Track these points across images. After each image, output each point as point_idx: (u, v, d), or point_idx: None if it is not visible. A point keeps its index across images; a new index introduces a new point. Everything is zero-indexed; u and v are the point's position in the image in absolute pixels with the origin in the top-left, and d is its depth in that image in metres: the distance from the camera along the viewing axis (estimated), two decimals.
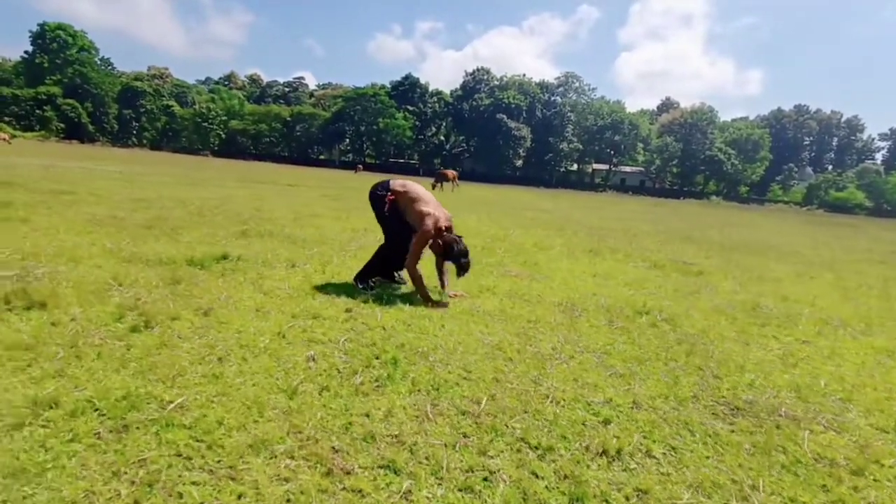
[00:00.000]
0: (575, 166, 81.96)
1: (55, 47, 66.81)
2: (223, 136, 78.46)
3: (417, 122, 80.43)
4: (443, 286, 4.22)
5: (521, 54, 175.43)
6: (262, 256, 5.01)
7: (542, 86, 78.92)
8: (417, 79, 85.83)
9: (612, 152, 77.65)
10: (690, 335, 3.63)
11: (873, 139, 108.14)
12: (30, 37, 66.76)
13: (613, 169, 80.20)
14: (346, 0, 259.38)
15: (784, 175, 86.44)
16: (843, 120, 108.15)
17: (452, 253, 3.94)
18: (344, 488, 1.66)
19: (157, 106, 74.49)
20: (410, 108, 79.91)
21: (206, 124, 74.27)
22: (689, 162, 74.35)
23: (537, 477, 1.80)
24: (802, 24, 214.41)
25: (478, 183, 56.47)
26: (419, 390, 2.39)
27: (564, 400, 2.41)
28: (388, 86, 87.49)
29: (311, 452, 1.81)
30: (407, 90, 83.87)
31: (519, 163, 76.80)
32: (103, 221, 6.24)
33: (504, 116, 71.90)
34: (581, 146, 76.91)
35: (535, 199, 27.15)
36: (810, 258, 9.44)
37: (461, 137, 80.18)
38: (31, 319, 2.82)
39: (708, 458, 2.01)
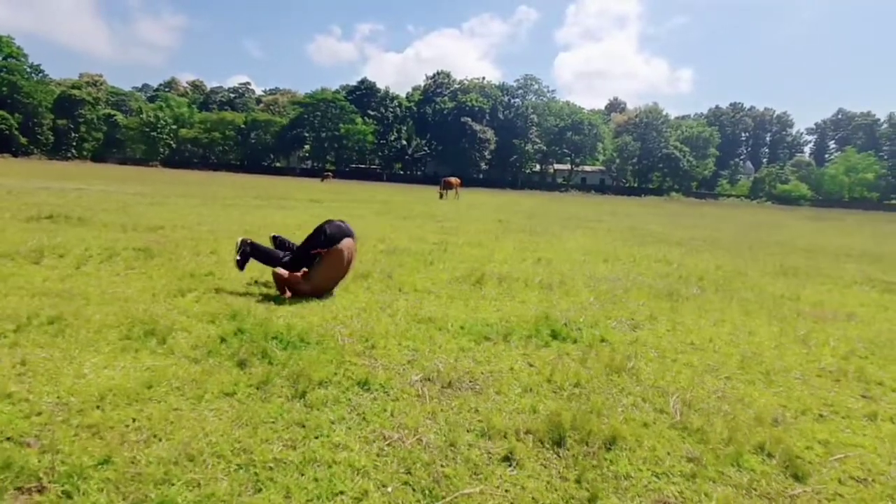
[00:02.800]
0: (538, 167, 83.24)
1: None
2: (173, 145, 73.95)
3: (378, 127, 79.02)
4: None
5: (463, 55, 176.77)
6: (546, 312, 4.19)
7: (503, 88, 79.71)
8: (374, 83, 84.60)
9: (573, 153, 79.36)
10: None
11: (801, 133, 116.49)
12: None
13: (575, 169, 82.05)
14: (283, 1, 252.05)
15: (730, 170, 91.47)
16: (774, 116, 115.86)
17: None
18: None
19: (98, 115, 69.10)
20: (371, 112, 78.38)
21: (154, 133, 69.61)
22: (646, 160, 77.19)
23: None
24: (729, 23, 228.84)
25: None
26: None
27: None
28: (342, 91, 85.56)
29: None
30: (363, 95, 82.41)
31: (484, 165, 76.95)
32: None
33: (468, 119, 71.90)
34: (544, 147, 78.12)
35: (546, 204, 26.91)
36: None
37: (423, 141, 79.44)
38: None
39: None
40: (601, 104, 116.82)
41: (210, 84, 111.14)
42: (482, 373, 2.82)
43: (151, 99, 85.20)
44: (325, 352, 2.93)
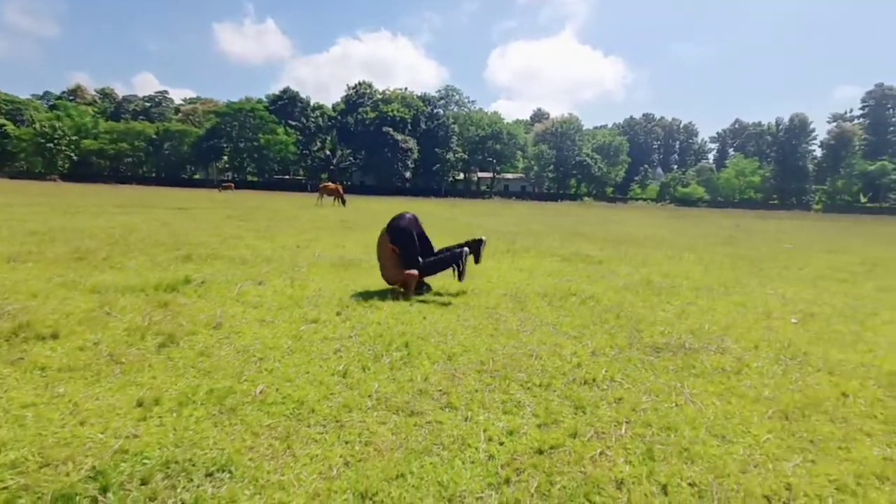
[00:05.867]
0: (461, 175, 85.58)
1: None
2: (74, 157, 70.09)
3: (301, 137, 78.63)
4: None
5: (398, 52, 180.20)
6: (220, 277, 5.23)
7: (425, 99, 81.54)
8: (297, 93, 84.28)
9: (494, 161, 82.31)
10: (611, 307, 4.65)
11: (705, 141, 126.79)
12: None
13: (497, 176, 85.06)
14: None
15: (641, 176, 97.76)
16: (681, 126, 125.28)
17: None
18: (427, 422, 2.26)
19: None
20: (292, 122, 77.97)
21: (50, 145, 65.74)
22: (562, 167, 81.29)
23: (548, 400, 2.54)
24: (663, 35, 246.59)
25: (370, 196, 56.71)
26: (438, 361, 3.03)
27: (545, 356, 3.20)
28: (266, 100, 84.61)
29: (390, 405, 2.39)
30: (286, 104, 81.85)
31: (408, 174, 78.24)
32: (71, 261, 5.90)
33: (390, 129, 73.02)
34: (466, 156, 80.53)
35: (496, 211, 28.31)
36: (676, 244, 11.45)
37: (348, 151, 79.84)
38: (56, 347, 2.97)
39: (650, 377, 2.92)
40: (536, 105, 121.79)
41: (116, 86, 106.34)
42: (97, 310, 3.75)
43: (53, 107, 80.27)
44: None
